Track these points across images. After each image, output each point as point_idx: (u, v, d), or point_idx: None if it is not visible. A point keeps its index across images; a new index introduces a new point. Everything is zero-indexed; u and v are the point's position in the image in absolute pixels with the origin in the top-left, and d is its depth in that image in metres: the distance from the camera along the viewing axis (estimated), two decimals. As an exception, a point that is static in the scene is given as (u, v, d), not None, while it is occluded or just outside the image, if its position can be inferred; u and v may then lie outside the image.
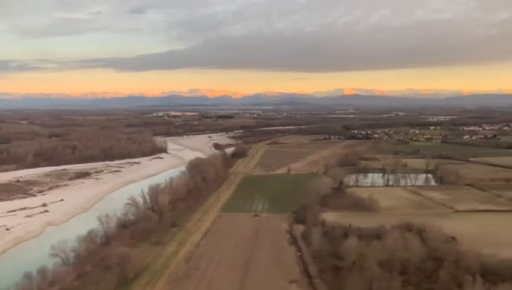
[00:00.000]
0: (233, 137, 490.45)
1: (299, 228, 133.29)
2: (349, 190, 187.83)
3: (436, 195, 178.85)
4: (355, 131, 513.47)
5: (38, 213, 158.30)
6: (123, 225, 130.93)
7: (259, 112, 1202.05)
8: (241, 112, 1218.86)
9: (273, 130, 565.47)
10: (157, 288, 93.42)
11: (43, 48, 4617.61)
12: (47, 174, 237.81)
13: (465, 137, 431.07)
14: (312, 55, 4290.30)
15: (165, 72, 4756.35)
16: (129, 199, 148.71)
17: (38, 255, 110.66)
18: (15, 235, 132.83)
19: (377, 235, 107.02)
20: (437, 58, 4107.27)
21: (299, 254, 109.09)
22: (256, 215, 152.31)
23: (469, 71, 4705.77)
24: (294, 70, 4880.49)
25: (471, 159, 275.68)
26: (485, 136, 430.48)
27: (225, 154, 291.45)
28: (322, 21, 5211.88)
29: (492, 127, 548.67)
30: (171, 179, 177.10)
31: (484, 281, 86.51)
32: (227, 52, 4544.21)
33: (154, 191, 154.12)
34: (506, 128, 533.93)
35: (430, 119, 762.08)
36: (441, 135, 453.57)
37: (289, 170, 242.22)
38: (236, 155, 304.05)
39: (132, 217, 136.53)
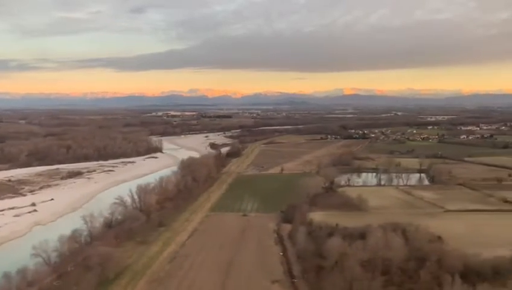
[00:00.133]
0: (230, 137, 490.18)
1: (287, 228, 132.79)
2: (340, 189, 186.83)
3: (427, 194, 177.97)
4: (353, 131, 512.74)
5: (26, 213, 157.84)
6: (109, 225, 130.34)
7: (259, 111, 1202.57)
8: (241, 111, 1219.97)
9: (270, 130, 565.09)
10: (138, 288, 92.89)
11: (42, 48, 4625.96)
12: (39, 174, 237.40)
13: (462, 137, 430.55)
14: (312, 55, 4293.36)
15: (164, 72, 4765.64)
16: (117, 199, 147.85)
17: (22, 255, 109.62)
18: (0, 235, 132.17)
19: (361, 234, 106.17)
20: (437, 58, 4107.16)
21: (281, 253, 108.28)
22: (244, 215, 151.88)
23: (469, 71, 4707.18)
24: (294, 70, 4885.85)
25: (465, 158, 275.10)
26: (482, 136, 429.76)
27: (220, 153, 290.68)
28: (322, 21, 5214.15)
29: (490, 127, 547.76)
30: (161, 179, 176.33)
31: (465, 281, 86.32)
32: (227, 52, 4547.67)
33: (142, 190, 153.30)
34: (503, 128, 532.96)
35: (429, 119, 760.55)
36: (438, 134, 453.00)
37: (282, 170, 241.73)
38: (230, 155, 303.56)
39: (119, 217, 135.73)
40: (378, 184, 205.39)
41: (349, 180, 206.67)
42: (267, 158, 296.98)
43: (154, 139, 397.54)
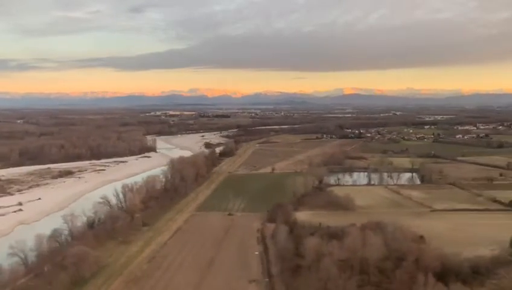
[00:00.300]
0: (226, 136, 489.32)
1: (271, 227, 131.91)
2: (329, 188, 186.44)
3: (416, 194, 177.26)
4: (349, 130, 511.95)
5: (12, 212, 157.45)
6: (91, 225, 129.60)
7: (258, 111, 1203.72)
8: (240, 111, 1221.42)
9: (267, 129, 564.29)
10: (113, 287, 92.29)
11: (42, 47, 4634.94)
12: (30, 173, 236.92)
13: (457, 136, 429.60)
14: (312, 55, 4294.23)
15: (165, 72, 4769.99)
16: (102, 198, 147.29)
17: (1, 254, 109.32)
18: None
19: (341, 234, 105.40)
20: (437, 58, 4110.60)
21: (258, 253, 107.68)
22: (230, 215, 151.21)
23: (469, 71, 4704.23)
24: (294, 70, 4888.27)
25: (458, 158, 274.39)
26: (478, 136, 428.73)
27: (213, 153, 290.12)
28: (322, 21, 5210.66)
29: (486, 127, 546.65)
30: (148, 178, 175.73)
31: (443, 280, 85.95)
32: (227, 52, 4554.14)
33: (128, 190, 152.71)
34: (500, 127, 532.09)
35: (427, 119, 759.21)
36: (433, 134, 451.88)
37: (273, 169, 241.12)
38: (223, 154, 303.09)
39: (102, 217, 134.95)
40: (368, 183, 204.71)
41: (338, 179, 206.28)
42: (260, 157, 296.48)
43: (149, 138, 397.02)
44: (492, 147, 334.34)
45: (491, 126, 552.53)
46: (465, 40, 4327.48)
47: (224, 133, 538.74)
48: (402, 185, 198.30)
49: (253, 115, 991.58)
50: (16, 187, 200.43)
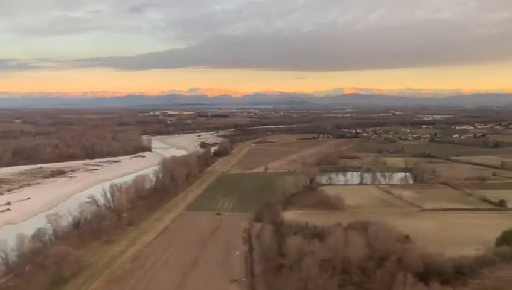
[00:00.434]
0: (223, 136, 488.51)
1: (258, 227, 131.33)
2: (321, 188, 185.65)
3: (407, 194, 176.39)
4: (346, 130, 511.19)
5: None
6: (77, 224, 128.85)
7: (257, 111, 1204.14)
8: (239, 111, 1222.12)
9: (264, 129, 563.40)
10: (93, 287, 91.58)
11: (42, 47, 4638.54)
12: (22, 173, 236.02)
13: (454, 136, 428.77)
14: (312, 55, 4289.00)
15: (165, 71, 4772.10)
16: (89, 198, 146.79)
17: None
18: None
19: (325, 233, 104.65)
20: (437, 57, 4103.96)
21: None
22: (218, 214, 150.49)
23: (469, 71, 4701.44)
24: (294, 70, 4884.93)
25: (453, 158, 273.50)
26: (475, 135, 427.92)
27: (207, 152, 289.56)
28: (322, 20, 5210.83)
29: (484, 126, 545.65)
30: (138, 178, 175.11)
31: (425, 280, 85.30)
32: (227, 52, 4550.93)
33: (116, 190, 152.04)
34: (498, 127, 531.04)
35: (425, 119, 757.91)
36: (430, 134, 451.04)
37: (266, 169, 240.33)
38: (218, 154, 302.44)
39: (88, 216, 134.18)
40: (360, 183, 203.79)
41: (330, 179, 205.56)
42: (254, 157, 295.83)
43: (145, 138, 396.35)
44: (488, 146, 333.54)
45: (488, 126, 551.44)
46: (465, 40, 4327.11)
47: (222, 132, 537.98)
48: (394, 185, 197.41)
49: (251, 114, 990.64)
50: (6, 187, 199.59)
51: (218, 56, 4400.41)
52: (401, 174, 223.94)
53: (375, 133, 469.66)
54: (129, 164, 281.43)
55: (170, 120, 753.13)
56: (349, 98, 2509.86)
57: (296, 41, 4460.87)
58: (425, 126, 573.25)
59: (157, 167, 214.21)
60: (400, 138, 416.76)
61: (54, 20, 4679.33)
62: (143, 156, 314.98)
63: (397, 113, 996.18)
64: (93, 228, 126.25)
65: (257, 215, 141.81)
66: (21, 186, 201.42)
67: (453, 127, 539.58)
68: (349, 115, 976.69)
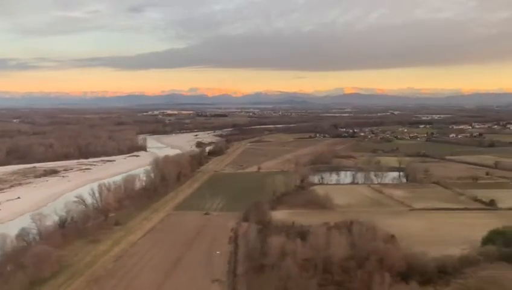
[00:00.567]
0: (220, 135, 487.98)
1: (245, 226, 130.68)
2: (312, 187, 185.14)
3: (398, 193, 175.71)
4: (343, 129, 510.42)
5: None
6: (62, 224, 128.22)
7: (257, 110, 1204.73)
8: (239, 110, 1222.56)
9: (262, 129, 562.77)
10: (73, 287, 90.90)
11: (42, 47, 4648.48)
12: (15, 172, 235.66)
13: (451, 135, 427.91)
14: (312, 54, 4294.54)
15: (165, 71, 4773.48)
16: (77, 197, 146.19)
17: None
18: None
19: (308, 233, 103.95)
20: (437, 57, 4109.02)
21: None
22: (207, 214, 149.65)
23: (469, 70, 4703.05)
24: (295, 70, 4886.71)
25: (447, 157, 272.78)
26: (471, 135, 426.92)
27: (201, 152, 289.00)
28: (321, 20, 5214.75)
29: (482, 126, 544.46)
30: (127, 177, 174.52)
31: (408, 280, 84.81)
32: (227, 51, 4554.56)
33: (105, 189, 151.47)
34: (495, 127, 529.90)
35: (424, 118, 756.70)
36: (427, 133, 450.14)
37: (259, 168, 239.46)
38: (212, 153, 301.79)
39: (75, 216, 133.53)
40: (352, 182, 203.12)
41: (322, 178, 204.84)
42: (249, 157, 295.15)
43: (140, 137, 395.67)
44: (484, 146, 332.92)
45: (486, 125, 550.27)
46: (465, 39, 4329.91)
47: (219, 132, 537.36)
48: (386, 184, 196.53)
49: (250, 114, 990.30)
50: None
51: (218, 56, 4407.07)
52: (394, 174, 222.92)
53: (372, 133, 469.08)
54: (123, 163, 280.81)
55: (169, 120, 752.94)
56: (349, 97, 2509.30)
57: (296, 41, 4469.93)
58: (422, 126, 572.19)
59: (148, 167, 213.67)
60: (396, 138, 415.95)
61: (54, 20, 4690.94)
62: (137, 156, 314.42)
63: (396, 112, 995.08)
64: (79, 228, 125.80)
65: (245, 215, 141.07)
66: (12, 186, 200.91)
67: (450, 127, 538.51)
68: (347, 114, 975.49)
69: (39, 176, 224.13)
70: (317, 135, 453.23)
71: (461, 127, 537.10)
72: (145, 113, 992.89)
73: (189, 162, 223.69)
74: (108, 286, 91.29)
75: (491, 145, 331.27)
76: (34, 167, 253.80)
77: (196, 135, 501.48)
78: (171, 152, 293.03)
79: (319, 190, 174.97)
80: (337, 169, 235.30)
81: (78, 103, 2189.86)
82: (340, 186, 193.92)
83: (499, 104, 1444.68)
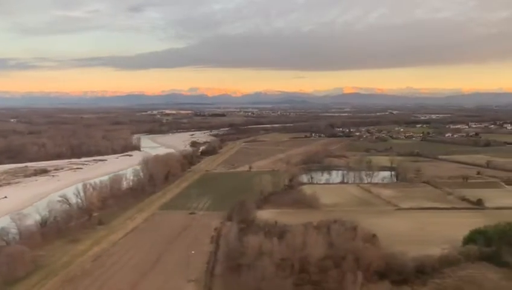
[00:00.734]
0: (215, 135, 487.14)
1: (229, 226, 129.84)
2: (301, 187, 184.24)
3: (387, 192, 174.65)
4: (340, 129, 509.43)
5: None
6: (44, 223, 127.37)
7: (256, 110, 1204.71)
8: (238, 110, 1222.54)
9: (259, 128, 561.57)
10: (47, 287, 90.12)
11: (42, 46, 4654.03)
12: (5, 172, 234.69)
13: (447, 135, 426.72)
14: (312, 54, 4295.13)
15: (165, 71, 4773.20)
16: (61, 197, 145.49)
17: None
18: None
19: (286, 232, 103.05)
20: (437, 57, 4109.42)
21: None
22: (192, 213, 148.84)
23: (469, 70, 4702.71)
24: (294, 69, 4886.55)
25: (440, 156, 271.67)
26: (467, 134, 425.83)
27: (194, 151, 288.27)
28: (321, 20, 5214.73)
29: (479, 125, 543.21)
30: (114, 177, 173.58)
31: (384, 279, 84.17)
32: (227, 51, 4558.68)
33: (89, 188, 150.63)
34: (492, 126, 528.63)
35: (422, 118, 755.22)
36: (423, 133, 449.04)
37: (250, 168, 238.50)
38: (205, 153, 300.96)
39: (57, 215, 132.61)
40: (342, 182, 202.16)
41: (312, 177, 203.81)
42: (242, 156, 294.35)
43: (135, 137, 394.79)
44: (479, 145, 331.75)
45: (483, 125, 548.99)
46: (465, 39, 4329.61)
47: (215, 132, 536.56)
48: (375, 184, 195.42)
49: (248, 114, 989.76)
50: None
51: (218, 55, 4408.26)
52: (386, 173, 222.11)
53: (368, 132, 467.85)
54: (115, 163, 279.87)
55: (166, 119, 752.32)
56: (349, 97, 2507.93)
57: (296, 40, 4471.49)
58: (419, 125, 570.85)
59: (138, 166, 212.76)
60: (391, 137, 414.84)
61: (54, 20, 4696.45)
62: (130, 155, 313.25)
63: (394, 112, 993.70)
64: (60, 227, 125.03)
65: (229, 214, 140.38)
66: (0, 185, 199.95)
67: (447, 126, 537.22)
68: (346, 114, 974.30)
69: (29, 176, 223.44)
70: (313, 135, 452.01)
71: (458, 126, 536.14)
72: (143, 113, 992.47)
73: (179, 162, 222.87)
74: (82, 286, 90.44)
75: (486, 144, 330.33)
76: (26, 166, 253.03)
77: (192, 135, 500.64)
78: (165, 152, 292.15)
79: (307, 190, 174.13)
80: (328, 168, 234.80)
81: (78, 102, 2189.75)
82: (330, 186, 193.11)
83: (499, 104, 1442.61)
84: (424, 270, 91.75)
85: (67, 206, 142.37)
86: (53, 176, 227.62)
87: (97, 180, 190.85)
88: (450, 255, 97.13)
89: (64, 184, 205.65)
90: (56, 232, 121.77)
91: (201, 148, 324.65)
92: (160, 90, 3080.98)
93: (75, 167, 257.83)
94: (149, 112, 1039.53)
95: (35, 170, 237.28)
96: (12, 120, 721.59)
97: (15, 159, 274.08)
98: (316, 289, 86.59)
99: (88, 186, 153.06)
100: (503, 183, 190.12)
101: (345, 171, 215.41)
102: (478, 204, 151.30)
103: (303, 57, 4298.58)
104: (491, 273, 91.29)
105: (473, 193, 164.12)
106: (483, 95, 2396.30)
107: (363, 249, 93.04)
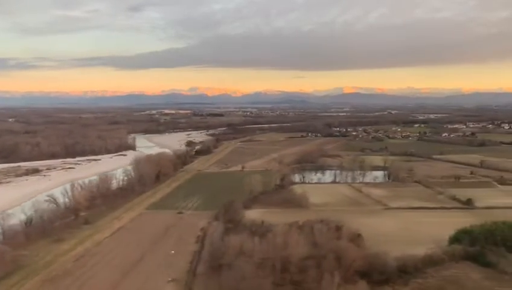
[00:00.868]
0: (212, 134, 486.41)
1: (215, 226, 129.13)
2: (292, 186, 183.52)
3: (378, 192, 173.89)
4: (337, 129, 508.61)
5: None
6: (29, 223, 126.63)
7: (255, 110, 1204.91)
8: (237, 110, 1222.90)
9: (256, 128, 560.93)
10: (27, 287, 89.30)
11: (42, 46, 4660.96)
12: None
13: (443, 135, 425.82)
14: (312, 54, 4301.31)
15: (165, 71, 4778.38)
16: (48, 196, 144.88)
17: None
18: None
19: (268, 232, 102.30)
20: (437, 57, 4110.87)
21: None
22: (180, 213, 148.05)
23: (469, 70, 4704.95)
24: (294, 69, 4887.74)
25: (434, 156, 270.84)
26: (464, 134, 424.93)
27: (188, 151, 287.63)
28: (321, 19, 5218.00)
29: (476, 125, 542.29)
30: (103, 176, 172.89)
31: (367, 279, 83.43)
32: (227, 51, 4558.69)
33: (77, 188, 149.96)
34: (490, 126, 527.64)
35: (420, 117, 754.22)
36: (419, 132, 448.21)
37: (243, 168, 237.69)
38: (200, 152, 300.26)
39: (43, 215, 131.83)
40: (333, 181, 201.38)
41: (304, 177, 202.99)
42: (236, 156, 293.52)
43: (130, 136, 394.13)
44: (474, 145, 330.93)
45: (480, 125, 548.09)
46: (465, 39, 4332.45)
47: (212, 131, 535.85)
48: (367, 183, 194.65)
49: (247, 114, 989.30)
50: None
51: (218, 55, 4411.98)
52: (378, 173, 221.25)
53: (365, 132, 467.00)
54: (108, 162, 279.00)
55: (164, 119, 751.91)
56: (349, 97, 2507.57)
57: (296, 40, 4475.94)
58: (417, 125, 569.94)
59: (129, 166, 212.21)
60: (388, 137, 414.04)
61: (53, 20, 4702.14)
62: (125, 155, 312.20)
63: (393, 112, 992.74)
64: (45, 227, 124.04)
65: (217, 214, 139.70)
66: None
67: (445, 126, 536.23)
68: (344, 114, 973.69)
69: (20, 175, 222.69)
70: (309, 134, 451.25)
71: (455, 126, 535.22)
72: (142, 113, 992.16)
73: (172, 162, 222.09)
74: (62, 286, 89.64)
75: (481, 144, 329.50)
76: (19, 166, 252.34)
77: (189, 134, 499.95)
78: (159, 151, 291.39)
79: (298, 189, 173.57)
80: (321, 168, 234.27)
81: (78, 102, 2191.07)
82: (321, 185, 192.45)
83: (498, 104, 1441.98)
84: (406, 270, 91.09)
85: (54, 205, 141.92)
86: (44, 175, 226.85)
87: (87, 180, 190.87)
88: (434, 255, 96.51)
89: (54, 184, 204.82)
90: (41, 231, 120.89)
91: (196, 147, 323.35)
92: (160, 90, 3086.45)
93: (67, 166, 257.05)
94: (147, 112, 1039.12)
95: (26, 169, 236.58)
96: (10, 120, 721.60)
97: (8, 158, 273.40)
98: (296, 289, 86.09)
99: (76, 185, 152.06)
100: (495, 183, 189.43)
101: (338, 171, 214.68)
102: (467, 204, 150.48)
103: (303, 56, 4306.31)
104: (474, 273, 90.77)
105: (464, 193, 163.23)
106: (483, 94, 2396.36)
107: (345, 249, 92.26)
